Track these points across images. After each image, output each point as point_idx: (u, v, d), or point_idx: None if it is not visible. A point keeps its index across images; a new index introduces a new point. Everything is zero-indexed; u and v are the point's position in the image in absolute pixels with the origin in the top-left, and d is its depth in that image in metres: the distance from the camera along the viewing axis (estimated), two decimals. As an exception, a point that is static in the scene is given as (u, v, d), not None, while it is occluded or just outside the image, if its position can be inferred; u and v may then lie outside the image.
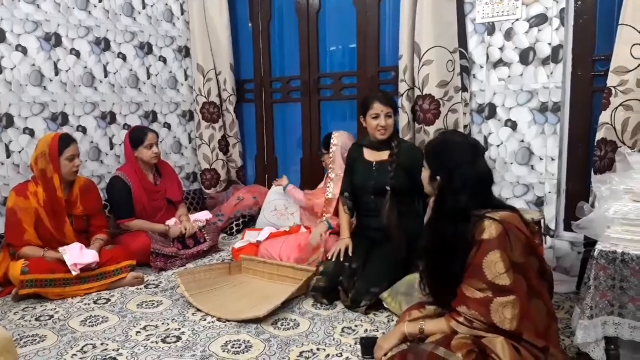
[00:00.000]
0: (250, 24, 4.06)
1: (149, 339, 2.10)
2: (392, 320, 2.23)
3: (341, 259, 2.49)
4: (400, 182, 2.48)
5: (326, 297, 2.43)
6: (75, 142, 2.84)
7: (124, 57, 3.64)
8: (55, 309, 2.46)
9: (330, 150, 3.01)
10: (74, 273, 2.59)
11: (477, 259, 1.56)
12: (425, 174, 1.79)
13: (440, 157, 1.73)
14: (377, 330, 2.15)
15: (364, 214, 2.66)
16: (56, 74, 3.28)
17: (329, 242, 2.74)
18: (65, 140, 2.77)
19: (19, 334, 2.16)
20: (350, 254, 2.51)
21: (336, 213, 2.82)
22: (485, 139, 2.92)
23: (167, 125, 3.96)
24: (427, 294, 1.83)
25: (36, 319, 2.34)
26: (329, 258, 2.53)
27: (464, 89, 2.89)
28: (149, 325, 2.25)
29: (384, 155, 2.58)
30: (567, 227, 2.72)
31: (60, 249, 2.65)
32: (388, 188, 2.48)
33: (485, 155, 2.84)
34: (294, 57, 3.82)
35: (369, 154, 2.64)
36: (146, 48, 3.78)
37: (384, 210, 2.45)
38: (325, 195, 3.00)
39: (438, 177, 1.70)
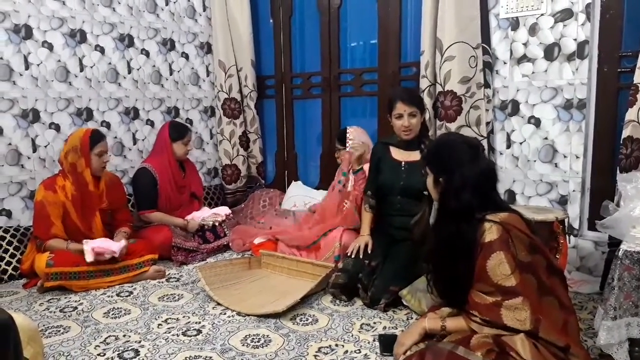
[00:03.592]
0: (271, 20, 4.07)
1: (170, 332, 2.13)
2: (411, 318, 2.23)
3: (360, 256, 2.48)
4: None
5: (345, 294, 2.43)
6: (105, 138, 2.92)
7: (147, 54, 3.69)
8: (79, 300, 2.51)
9: (347, 145, 2.99)
10: (88, 259, 2.61)
11: (481, 262, 1.57)
12: (429, 180, 1.80)
13: (441, 160, 1.75)
14: (396, 328, 2.15)
15: (388, 213, 2.62)
16: (81, 70, 3.34)
17: (347, 238, 2.74)
18: (97, 136, 2.84)
19: (44, 325, 2.21)
20: (370, 252, 2.50)
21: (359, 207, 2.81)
22: (508, 136, 2.89)
23: (189, 121, 3.99)
24: (436, 296, 1.83)
25: (61, 311, 2.39)
26: (349, 255, 2.53)
27: (487, 85, 2.86)
28: (170, 318, 2.28)
29: (414, 155, 2.53)
30: (592, 227, 2.67)
31: (84, 241, 2.71)
32: (426, 193, 2.41)
33: (508, 153, 2.84)
34: (315, 53, 3.81)
35: (398, 154, 2.59)
36: (169, 44, 3.82)
37: (421, 216, 2.38)
38: (335, 186, 3.01)
39: (440, 180, 1.72)
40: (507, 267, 1.52)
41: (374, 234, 2.60)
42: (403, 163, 2.56)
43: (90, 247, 2.64)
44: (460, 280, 1.63)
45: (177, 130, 3.29)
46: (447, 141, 1.83)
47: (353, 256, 2.50)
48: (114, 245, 2.71)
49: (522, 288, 1.51)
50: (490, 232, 1.56)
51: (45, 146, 3.17)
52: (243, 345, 2.00)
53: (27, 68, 3.08)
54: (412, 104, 2.49)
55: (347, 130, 3.03)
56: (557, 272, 1.65)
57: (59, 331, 2.16)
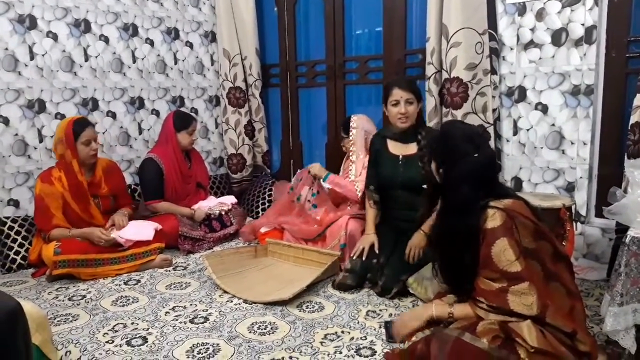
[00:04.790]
0: (275, 8, 4.05)
1: (177, 320, 2.15)
2: (417, 305, 2.23)
3: (364, 258, 2.46)
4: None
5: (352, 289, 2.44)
6: (92, 126, 2.88)
7: (151, 43, 3.68)
8: (87, 289, 2.53)
9: (351, 133, 2.98)
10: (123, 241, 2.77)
11: (485, 249, 1.57)
12: (432, 168, 1.80)
13: (443, 149, 1.74)
14: (402, 315, 2.16)
15: (392, 206, 2.59)
16: (86, 59, 3.34)
17: (352, 226, 2.73)
18: (81, 125, 2.81)
19: (53, 313, 2.23)
20: (377, 251, 2.48)
21: (362, 204, 2.80)
22: (515, 122, 2.87)
23: (195, 111, 3.99)
24: (442, 282, 1.84)
25: (69, 299, 2.41)
26: (354, 256, 2.50)
27: (493, 71, 2.83)
28: (177, 306, 2.30)
29: (411, 148, 2.49)
30: (599, 214, 2.65)
31: (111, 228, 2.83)
32: (425, 187, 2.33)
33: (515, 140, 2.83)
34: (320, 41, 3.79)
35: (394, 147, 2.55)
36: (173, 33, 3.81)
37: (421, 210, 2.36)
38: (349, 177, 2.98)
39: (441, 171, 1.73)
40: (512, 253, 1.52)
41: (379, 228, 2.58)
42: (400, 157, 2.52)
43: (125, 240, 2.76)
44: (466, 267, 1.64)
45: (182, 120, 3.28)
46: (449, 132, 1.82)
47: (355, 257, 2.48)
48: (147, 233, 2.86)
49: (527, 274, 1.52)
50: (494, 219, 1.56)
51: (52, 136, 3.18)
52: (250, 332, 2.01)
53: (32, 58, 3.09)
54: (409, 90, 2.45)
55: (352, 119, 3.01)
56: (563, 258, 1.65)
57: (68, 319, 2.18)
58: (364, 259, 2.46)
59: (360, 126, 2.95)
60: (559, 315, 1.52)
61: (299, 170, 3.28)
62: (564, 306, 1.55)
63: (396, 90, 2.44)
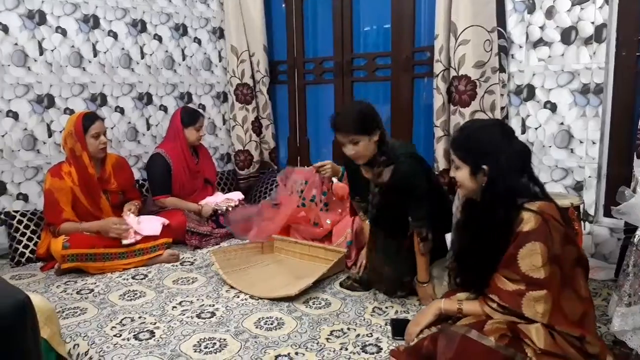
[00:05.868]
0: (284, 5, 4.04)
1: (184, 314, 2.16)
2: (423, 304, 2.23)
3: (367, 270, 2.43)
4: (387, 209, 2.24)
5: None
6: (101, 120, 2.90)
7: (160, 39, 3.69)
8: (95, 283, 2.55)
9: None
10: (130, 240, 2.77)
11: (512, 250, 1.53)
12: (462, 173, 1.67)
13: (478, 147, 1.64)
14: (408, 312, 2.15)
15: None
16: (95, 55, 3.35)
17: (359, 224, 2.72)
18: (90, 119, 2.83)
19: (61, 307, 2.25)
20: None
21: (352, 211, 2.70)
22: (524, 121, 2.85)
23: (202, 107, 4.01)
24: (457, 284, 1.82)
25: (77, 293, 2.43)
26: (358, 272, 2.47)
27: (502, 69, 2.82)
28: (184, 300, 2.31)
29: (383, 173, 2.23)
30: (607, 213, 2.64)
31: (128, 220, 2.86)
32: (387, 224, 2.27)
33: (523, 138, 2.81)
34: (328, 37, 3.79)
35: (365, 170, 2.35)
36: (181, 29, 3.82)
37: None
38: None
39: (484, 167, 1.61)
40: (539, 259, 1.49)
41: (379, 236, 2.44)
42: (372, 185, 2.32)
43: (133, 235, 2.80)
44: (486, 266, 1.61)
45: (189, 116, 3.29)
46: (479, 126, 1.74)
47: (360, 274, 2.45)
48: (155, 228, 2.89)
49: (549, 282, 1.49)
50: (529, 222, 1.51)
51: (61, 131, 3.20)
52: (256, 327, 2.02)
53: (41, 54, 3.11)
54: (348, 132, 2.15)
55: None
56: (583, 263, 1.61)
57: (76, 312, 2.19)
58: (366, 270, 2.45)
59: None
60: (568, 324, 1.50)
61: (289, 168, 3.28)
62: (575, 312, 1.53)
63: (338, 135, 2.19)
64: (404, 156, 2.20)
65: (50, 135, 3.18)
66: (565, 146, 2.74)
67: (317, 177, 2.89)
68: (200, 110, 3.59)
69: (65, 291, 2.45)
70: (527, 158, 1.65)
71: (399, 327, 1.94)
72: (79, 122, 2.78)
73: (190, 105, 3.85)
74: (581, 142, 2.68)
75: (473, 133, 1.70)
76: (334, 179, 2.96)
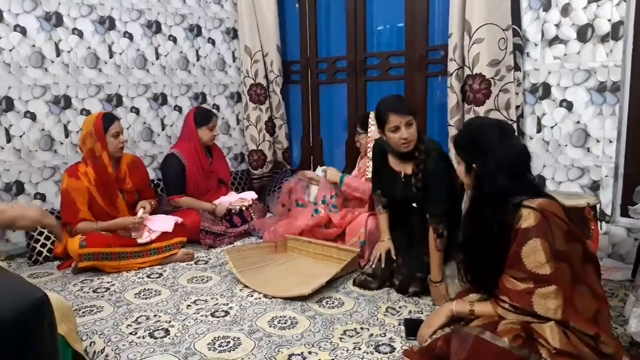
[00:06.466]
0: (297, 5, 4.05)
1: (199, 313, 2.18)
2: (437, 304, 2.22)
3: (382, 265, 2.44)
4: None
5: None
6: (118, 120, 2.94)
7: (174, 40, 3.72)
8: (111, 281, 2.58)
9: (369, 130, 2.96)
10: (145, 239, 2.81)
11: (515, 248, 1.53)
12: (460, 168, 1.76)
13: (471, 146, 1.71)
14: (422, 313, 2.15)
15: (399, 211, 2.53)
16: (110, 56, 3.39)
17: (372, 224, 2.72)
18: (109, 118, 2.87)
19: (78, 305, 2.28)
20: (394, 257, 2.46)
21: (371, 205, 2.77)
22: (539, 120, 2.82)
23: (216, 107, 4.03)
24: (468, 282, 1.82)
25: (94, 291, 2.46)
26: (372, 264, 2.48)
27: (517, 68, 2.79)
28: (199, 299, 2.33)
29: (409, 167, 2.36)
30: (624, 213, 2.60)
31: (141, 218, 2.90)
32: (415, 205, 2.34)
33: (538, 137, 2.79)
34: (341, 37, 3.78)
35: (395, 163, 2.43)
36: (195, 30, 3.85)
37: (414, 223, 2.40)
38: (367, 175, 2.97)
39: (474, 165, 1.67)
40: (543, 255, 1.49)
41: (392, 232, 2.54)
42: (402, 174, 2.40)
43: (147, 232, 2.84)
44: (492, 265, 1.62)
45: (202, 116, 3.32)
46: (476, 125, 1.79)
47: (374, 266, 2.46)
48: (167, 225, 2.92)
49: (555, 277, 1.48)
50: (528, 219, 1.52)
51: (77, 132, 3.25)
52: (270, 326, 2.03)
53: (58, 55, 3.15)
54: (406, 112, 2.23)
55: (370, 116, 3.00)
56: (592, 260, 1.60)
57: (92, 310, 2.22)
58: (382, 265, 2.45)
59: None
60: (583, 320, 1.49)
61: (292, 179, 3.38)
62: (589, 309, 1.52)
63: (393, 117, 2.23)
64: (436, 151, 2.30)
65: (67, 136, 3.23)
66: (582, 145, 2.70)
67: (325, 180, 3.02)
68: (214, 110, 3.61)
69: (82, 289, 2.49)
70: (522, 159, 1.66)
71: (412, 327, 1.93)
72: (99, 122, 2.82)
73: (204, 105, 3.87)
74: (598, 140, 2.65)
75: (470, 132, 1.77)
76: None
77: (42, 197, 3.15)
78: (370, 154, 2.92)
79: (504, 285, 1.57)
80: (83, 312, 2.20)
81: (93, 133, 2.80)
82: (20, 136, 3.05)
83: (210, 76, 3.98)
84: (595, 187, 2.68)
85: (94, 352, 1.90)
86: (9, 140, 3.01)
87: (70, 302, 2.20)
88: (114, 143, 2.85)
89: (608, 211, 2.66)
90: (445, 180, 2.25)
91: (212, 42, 3.96)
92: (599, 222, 2.43)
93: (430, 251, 2.22)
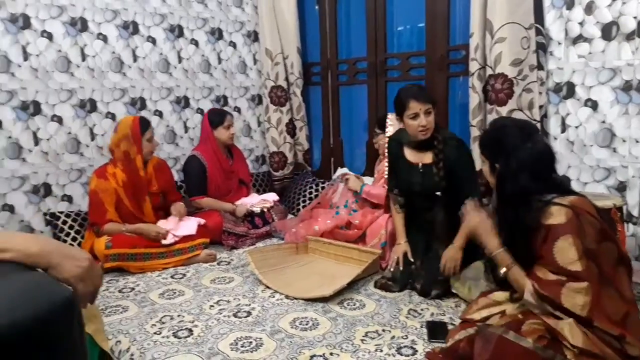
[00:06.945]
0: (317, 7, 4.06)
1: (221, 313, 2.20)
2: (460, 306, 2.20)
3: (401, 268, 2.44)
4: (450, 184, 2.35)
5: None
6: (151, 124, 3.01)
7: (196, 43, 3.76)
8: (136, 282, 2.63)
9: (387, 131, 2.95)
10: (169, 240, 2.85)
11: (547, 246, 1.52)
12: (485, 168, 1.78)
13: (495, 146, 1.73)
14: (444, 315, 2.13)
15: (417, 209, 2.54)
16: (134, 60, 3.45)
17: (392, 225, 2.71)
18: (145, 123, 2.95)
19: (104, 304, 2.33)
20: (412, 259, 2.46)
21: (387, 207, 2.75)
22: (563, 120, 2.78)
23: (237, 109, 4.07)
24: (494, 282, 1.80)
25: (119, 291, 2.51)
26: (390, 268, 2.47)
27: (540, 67, 2.76)
28: (221, 300, 2.35)
29: (428, 156, 2.39)
30: (652, 214, 2.55)
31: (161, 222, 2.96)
32: (439, 194, 2.36)
33: (563, 137, 2.74)
34: (361, 38, 3.78)
35: (412, 155, 2.46)
36: (217, 34, 3.89)
37: (436, 215, 2.42)
38: (385, 177, 2.96)
39: (497, 165, 1.69)
40: (575, 252, 1.47)
41: (409, 234, 2.52)
42: (420, 165, 2.42)
43: (172, 234, 2.88)
44: (520, 263, 1.61)
45: (216, 116, 3.35)
46: (499, 125, 1.80)
47: (392, 270, 2.46)
48: (190, 227, 2.98)
49: (587, 274, 1.47)
50: (559, 215, 1.51)
51: (102, 135, 3.31)
52: (292, 327, 2.04)
53: (83, 60, 3.22)
54: (427, 100, 2.29)
55: (388, 117, 2.99)
56: (625, 262, 1.57)
57: (118, 310, 2.26)
58: (401, 268, 2.45)
59: (397, 124, 2.92)
60: (607, 320, 1.46)
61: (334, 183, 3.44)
62: (617, 312, 1.49)
63: (413, 103, 2.28)
64: (454, 140, 2.39)
65: (92, 139, 3.29)
66: (607, 145, 2.65)
67: (346, 188, 3.12)
68: (226, 110, 3.64)
69: (108, 289, 2.53)
70: (545, 159, 1.65)
71: (434, 330, 1.93)
72: (137, 126, 2.88)
73: (225, 108, 3.91)
74: (624, 140, 2.60)
75: (493, 131, 1.80)
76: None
77: (69, 199, 3.22)
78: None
79: (535, 274, 1.55)
80: (109, 312, 2.24)
81: (130, 136, 2.86)
82: (48, 139, 3.12)
83: (231, 79, 4.02)
84: (621, 188, 2.63)
85: (120, 351, 1.93)
86: (36, 143, 3.08)
87: (96, 302, 2.24)
88: (148, 147, 2.93)
89: (635, 212, 2.60)
90: (471, 163, 2.34)
91: (233, 45, 4.00)
92: (625, 224, 2.39)
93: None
